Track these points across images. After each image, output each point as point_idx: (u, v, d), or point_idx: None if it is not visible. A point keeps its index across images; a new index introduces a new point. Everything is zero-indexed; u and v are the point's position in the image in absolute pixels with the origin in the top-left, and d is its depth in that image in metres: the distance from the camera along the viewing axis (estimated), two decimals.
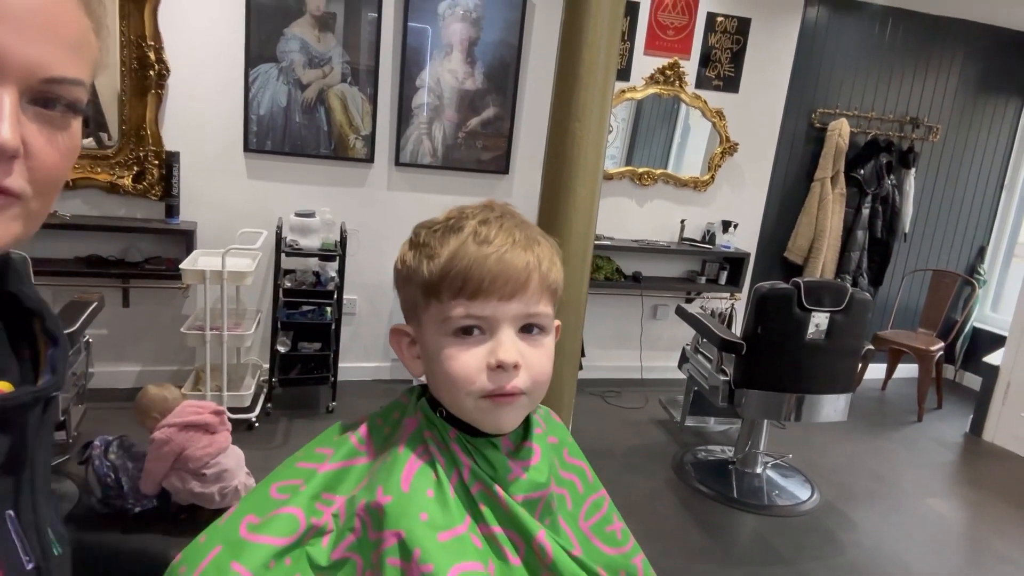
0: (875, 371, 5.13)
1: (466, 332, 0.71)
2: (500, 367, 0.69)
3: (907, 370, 5.16)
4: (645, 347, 4.73)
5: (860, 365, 3.36)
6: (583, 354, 4.24)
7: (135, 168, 3.61)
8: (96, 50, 0.53)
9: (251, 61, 3.63)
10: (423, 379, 0.78)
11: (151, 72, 3.51)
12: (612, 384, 4.60)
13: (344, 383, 4.00)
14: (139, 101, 3.55)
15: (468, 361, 0.70)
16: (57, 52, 0.48)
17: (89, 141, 3.57)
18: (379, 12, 3.75)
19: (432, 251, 0.72)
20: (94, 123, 3.62)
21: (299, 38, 3.66)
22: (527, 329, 0.72)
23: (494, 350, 0.70)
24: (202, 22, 3.55)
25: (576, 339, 2.57)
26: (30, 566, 0.56)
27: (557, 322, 0.76)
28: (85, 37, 0.51)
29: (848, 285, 3.12)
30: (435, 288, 0.71)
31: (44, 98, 0.49)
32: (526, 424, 0.79)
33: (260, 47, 3.62)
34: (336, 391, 3.83)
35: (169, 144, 3.61)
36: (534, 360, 0.72)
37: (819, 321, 3.03)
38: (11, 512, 0.56)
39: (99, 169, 3.59)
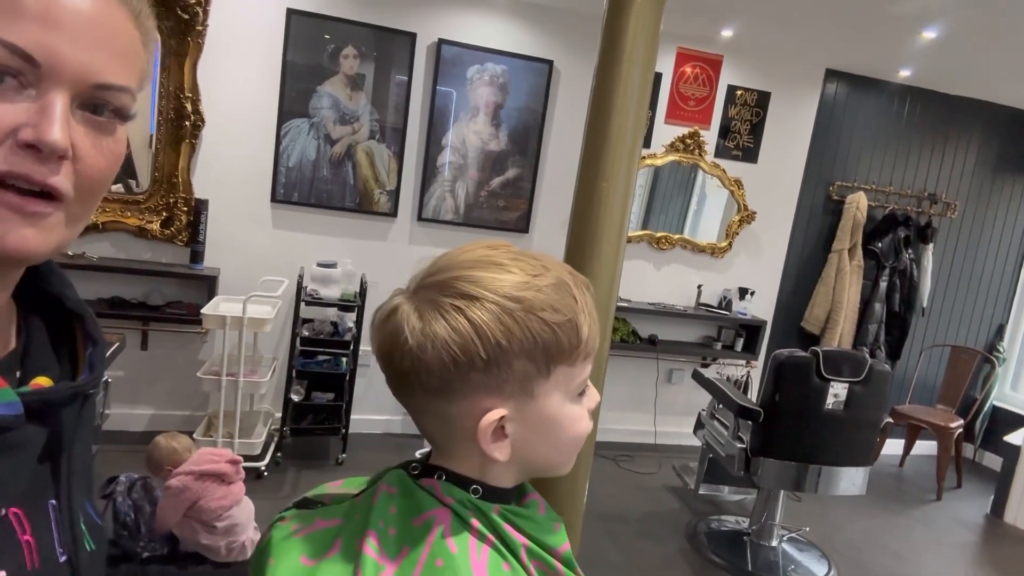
0: (893, 446, 5.03)
1: (582, 391, 0.70)
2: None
3: (926, 447, 5.06)
4: (659, 411, 4.69)
5: (878, 439, 3.31)
6: None
7: (164, 214, 3.69)
8: (144, 61, 0.55)
9: (284, 115, 3.74)
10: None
11: (187, 122, 3.62)
12: (625, 448, 4.54)
13: (355, 435, 3.98)
14: (173, 150, 3.66)
15: (586, 415, 0.70)
16: (108, 59, 0.50)
17: (118, 186, 3.67)
18: (409, 76, 3.87)
19: (563, 314, 0.64)
20: (123, 170, 3.73)
21: (331, 95, 3.79)
22: None
23: (593, 396, 0.71)
24: (239, 77, 3.68)
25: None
26: (63, 559, 0.57)
27: None
28: (134, 47, 0.53)
29: (867, 356, 3.10)
30: (573, 353, 0.65)
31: (93, 103, 0.51)
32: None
33: (293, 103, 3.74)
34: (347, 443, 3.81)
35: (199, 192, 3.70)
36: None
37: (838, 391, 3.00)
38: (53, 501, 0.57)
39: (129, 213, 3.68)
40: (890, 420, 3.34)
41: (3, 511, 0.52)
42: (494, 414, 0.64)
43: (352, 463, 3.76)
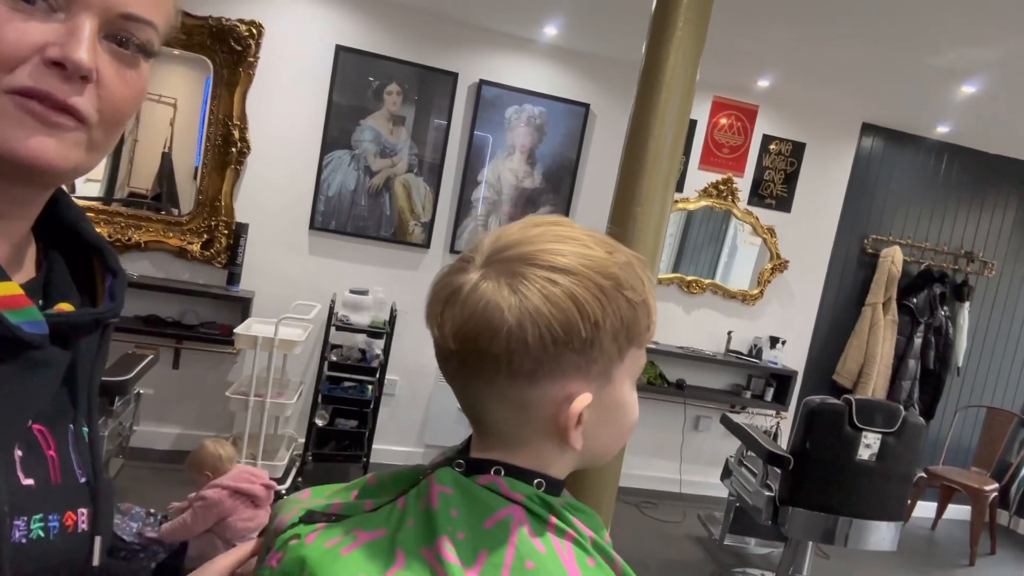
0: (925, 509, 4.87)
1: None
2: None
3: (959, 511, 4.89)
4: (686, 459, 4.61)
5: (911, 496, 3.22)
6: None
7: (205, 236, 3.79)
8: (170, 7, 0.56)
9: (327, 146, 3.85)
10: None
11: (233, 149, 3.74)
12: (649, 495, 4.45)
13: (376, 464, 3.96)
14: (218, 174, 3.77)
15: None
16: None
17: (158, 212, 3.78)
18: (449, 114, 3.97)
19: (640, 294, 0.60)
20: (167, 196, 3.85)
21: (373, 129, 3.89)
22: None
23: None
24: (286, 108, 3.80)
25: None
26: (83, 480, 0.58)
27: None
28: None
29: (901, 407, 3.04)
30: (644, 335, 0.62)
31: (119, 35, 0.52)
32: None
33: (336, 134, 3.85)
34: (367, 471, 3.79)
35: (240, 216, 3.79)
36: None
37: (870, 441, 2.93)
38: (71, 426, 0.58)
39: (171, 234, 3.78)
40: (923, 475, 3.24)
41: (29, 424, 0.53)
42: (585, 398, 0.59)
43: None
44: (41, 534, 0.52)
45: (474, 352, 0.58)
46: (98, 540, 0.57)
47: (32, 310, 0.51)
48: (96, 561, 0.57)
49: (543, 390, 0.59)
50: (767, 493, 3.10)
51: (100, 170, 3.86)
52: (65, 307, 0.57)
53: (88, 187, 3.78)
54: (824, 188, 4.62)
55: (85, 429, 0.60)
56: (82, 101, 0.50)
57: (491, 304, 0.57)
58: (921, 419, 3.06)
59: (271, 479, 3.43)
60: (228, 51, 3.67)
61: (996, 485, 4.49)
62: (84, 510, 0.57)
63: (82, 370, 0.59)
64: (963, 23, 2.75)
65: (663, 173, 1.72)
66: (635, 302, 0.59)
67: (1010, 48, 2.93)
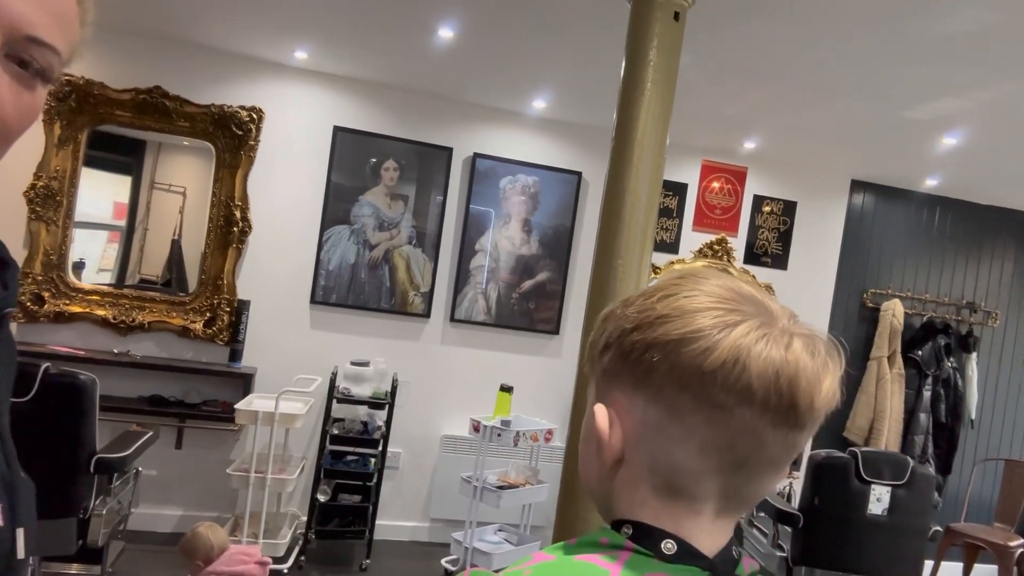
0: (952, 569, 4.69)
1: None
2: None
3: (986, 571, 4.71)
4: None
5: (936, 555, 3.12)
6: None
7: (208, 314, 3.84)
8: (77, 36, 0.57)
9: (326, 222, 3.94)
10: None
11: (235, 229, 3.84)
12: None
13: (380, 541, 3.89)
14: (220, 254, 3.86)
15: None
16: (45, 17, 0.52)
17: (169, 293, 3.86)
18: (445, 186, 4.08)
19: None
20: (176, 281, 3.93)
21: (372, 204, 3.99)
22: None
23: None
24: (286, 187, 3.92)
25: None
26: None
27: (593, 408, 0.60)
28: (71, 18, 0.55)
29: (908, 459, 2.99)
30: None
31: (20, 57, 0.52)
32: None
33: (336, 211, 3.95)
34: (371, 549, 3.72)
35: (242, 293, 3.86)
36: None
37: (880, 495, 2.87)
38: None
39: (175, 314, 3.84)
40: (938, 529, 3.16)
41: None
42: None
43: (376, 570, 3.66)
44: None
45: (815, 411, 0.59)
46: (20, 532, 0.56)
47: None
48: (21, 554, 0.56)
49: None
50: (779, 554, 3.02)
51: (112, 258, 3.97)
52: None
53: (100, 275, 3.88)
54: (819, 245, 4.67)
55: None
56: None
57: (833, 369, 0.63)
58: (931, 470, 3.01)
59: (273, 558, 3.37)
60: (230, 136, 3.82)
61: (1021, 540, 4.33)
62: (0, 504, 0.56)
63: None
64: (934, 75, 2.85)
65: (640, 226, 1.77)
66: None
67: (985, 97, 3.02)
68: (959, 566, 4.73)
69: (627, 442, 0.57)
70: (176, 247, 3.96)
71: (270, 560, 2.63)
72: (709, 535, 0.56)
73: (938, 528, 3.18)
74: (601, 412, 0.58)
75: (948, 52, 2.61)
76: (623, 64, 1.83)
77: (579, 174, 4.25)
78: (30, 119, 0.55)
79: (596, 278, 1.82)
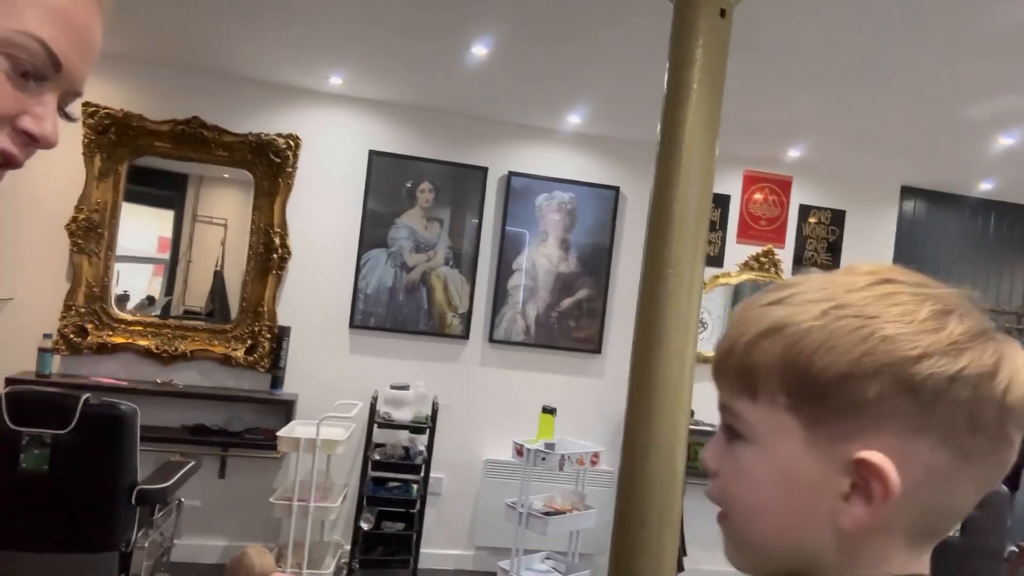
0: None
1: None
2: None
3: None
4: None
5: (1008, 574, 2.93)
6: (684, 552, 3.90)
7: (249, 341, 3.84)
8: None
9: (364, 246, 3.92)
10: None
11: (274, 255, 3.84)
12: None
13: (425, 571, 3.80)
14: (261, 281, 3.86)
15: None
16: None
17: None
18: (481, 206, 4.04)
19: None
20: (219, 311, 3.95)
21: (408, 226, 3.97)
22: (727, 430, 0.54)
23: None
24: (324, 212, 3.92)
25: (672, 532, 2.22)
26: None
27: (861, 455, 0.47)
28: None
29: None
30: None
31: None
32: None
33: (373, 234, 3.93)
34: None
35: (282, 320, 3.85)
36: (723, 470, 0.53)
37: None
38: None
39: (216, 342, 3.84)
40: (1015, 549, 2.97)
41: None
42: None
43: None
44: None
45: None
46: None
47: None
48: None
49: None
50: None
51: (156, 289, 4.03)
52: None
53: (148, 308, 3.92)
54: (870, 254, 4.50)
55: None
56: (25, 153, 0.55)
57: None
58: (1006, 488, 2.82)
59: None
60: (268, 164, 3.83)
61: None
62: None
63: None
64: (992, 70, 2.71)
65: (691, 233, 1.68)
66: None
67: None
68: None
69: (903, 492, 0.47)
70: (219, 277, 3.99)
71: None
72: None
73: (1014, 548, 2.99)
74: (887, 463, 0.46)
75: (1007, 45, 2.48)
76: (667, 66, 1.75)
77: (616, 189, 4.17)
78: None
79: (646, 290, 1.74)
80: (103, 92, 3.59)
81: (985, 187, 4.41)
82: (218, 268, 3.98)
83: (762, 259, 4.35)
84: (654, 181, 1.81)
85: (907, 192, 4.55)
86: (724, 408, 0.54)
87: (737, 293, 4.40)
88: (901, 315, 0.48)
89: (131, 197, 3.77)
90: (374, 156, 3.94)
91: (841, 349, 0.47)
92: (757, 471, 0.51)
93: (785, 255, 4.40)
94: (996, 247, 4.63)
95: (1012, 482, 4.47)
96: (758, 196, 4.38)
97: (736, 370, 0.52)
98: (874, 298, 0.49)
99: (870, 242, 4.50)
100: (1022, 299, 4.66)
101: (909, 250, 4.54)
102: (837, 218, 4.47)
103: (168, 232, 4.01)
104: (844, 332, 0.48)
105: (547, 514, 3.52)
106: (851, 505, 0.48)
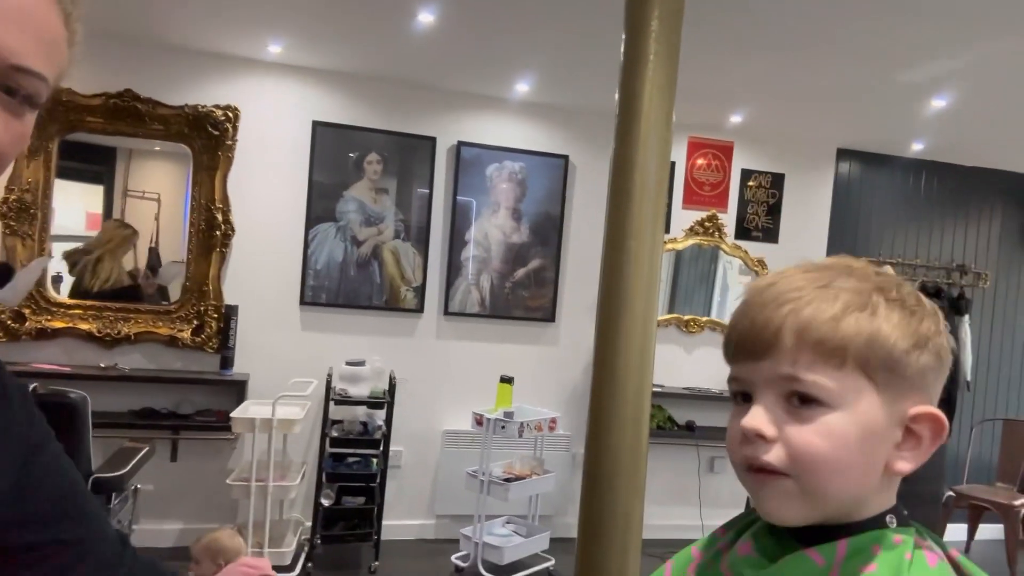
0: (956, 531, 4.72)
1: (734, 397, 0.65)
2: (745, 437, 0.61)
3: (991, 530, 4.74)
4: (704, 503, 4.47)
5: (940, 523, 3.11)
6: None
7: (195, 322, 3.74)
8: (65, 58, 0.57)
9: (311, 221, 3.84)
10: None
11: (217, 232, 3.73)
12: (672, 545, 4.26)
13: (387, 542, 3.82)
14: (204, 259, 3.75)
15: (734, 429, 0.63)
16: (30, 45, 0.52)
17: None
18: (430, 177, 4.00)
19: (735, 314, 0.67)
20: (157, 289, 3.82)
21: (356, 199, 3.90)
22: (799, 399, 0.60)
23: (747, 412, 0.62)
24: (268, 187, 3.81)
25: (640, 496, 2.10)
26: None
27: (919, 409, 0.61)
28: (58, 41, 0.56)
29: None
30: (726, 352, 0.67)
31: (7, 85, 0.52)
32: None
33: (320, 208, 3.85)
34: (379, 550, 3.66)
35: (229, 298, 3.75)
36: (795, 435, 0.59)
37: None
38: None
39: (160, 324, 3.73)
40: (952, 494, 3.15)
41: None
42: None
43: (386, 571, 3.60)
44: None
45: None
46: None
47: None
48: None
49: None
50: None
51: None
52: None
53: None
54: (808, 216, 4.65)
55: None
56: None
57: None
58: None
59: (279, 567, 3.30)
60: (206, 137, 3.70)
61: None
62: None
63: None
64: (927, 34, 2.81)
65: (652, 203, 1.70)
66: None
67: (975, 57, 2.99)
68: (963, 527, 4.77)
69: None
70: (154, 254, 3.85)
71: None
72: None
73: (951, 493, 3.17)
74: (940, 413, 0.62)
75: (941, 8, 2.57)
76: (623, 37, 1.75)
77: (566, 157, 4.18)
78: (20, 145, 0.56)
79: (608, 261, 1.76)
80: None
81: (917, 147, 4.58)
82: (152, 245, 3.84)
83: (706, 224, 4.44)
84: (613, 152, 1.82)
85: (843, 154, 4.69)
86: (791, 378, 0.60)
87: (680, 259, 4.48)
88: (924, 301, 0.63)
89: (60, 173, 3.59)
90: (318, 127, 3.85)
91: (908, 329, 0.60)
92: (842, 430, 0.59)
93: (728, 219, 4.50)
94: (927, 205, 4.83)
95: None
96: (701, 162, 4.45)
97: (819, 343, 0.59)
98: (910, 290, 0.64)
99: (808, 204, 4.64)
100: (952, 254, 4.88)
101: (844, 210, 4.70)
102: (777, 181, 4.59)
103: (98, 208, 3.82)
104: (906, 316, 0.61)
105: (508, 480, 3.58)
106: (902, 451, 0.61)
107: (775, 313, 0.60)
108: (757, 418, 0.60)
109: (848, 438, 0.58)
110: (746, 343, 0.62)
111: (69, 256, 3.72)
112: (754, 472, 0.61)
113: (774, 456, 0.59)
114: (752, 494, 0.63)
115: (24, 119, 0.55)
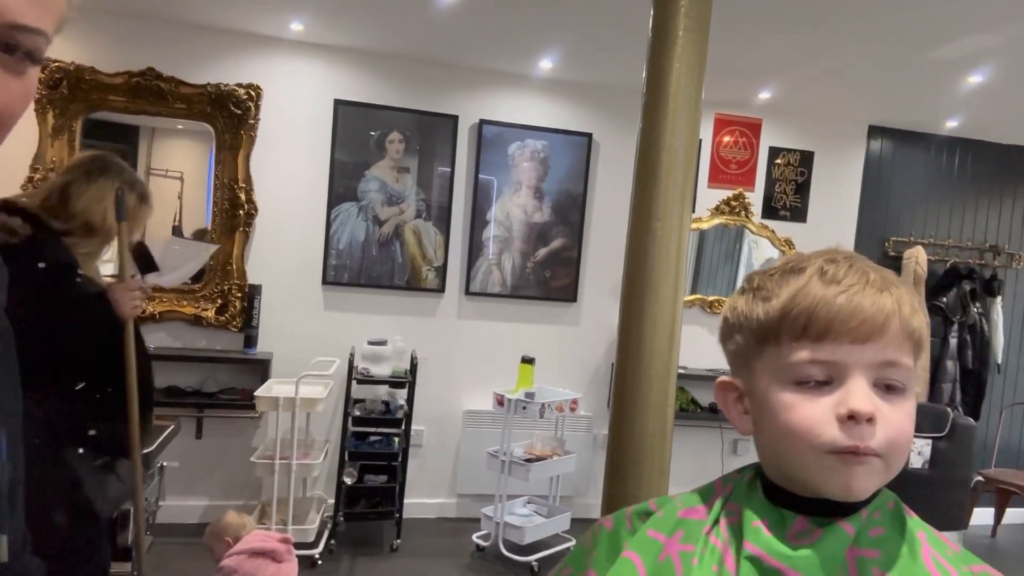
0: (983, 515, 4.66)
1: (808, 380, 0.63)
2: (852, 418, 0.60)
3: (1019, 515, 4.68)
4: None
5: (967, 507, 3.07)
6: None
7: (219, 301, 3.76)
8: (63, 9, 0.55)
9: (333, 200, 3.84)
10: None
11: (241, 212, 3.74)
12: None
13: (409, 520, 3.85)
14: (227, 238, 3.76)
15: (813, 411, 0.61)
16: (24, 2, 0.50)
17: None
18: (452, 156, 3.96)
19: (768, 293, 0.66)
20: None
21: (378, 179, 3.88)
22: (884, 385, 0.62)
23: (844, 400, 0.61)
24: (290, 166, 3.80)
25: (664, 480, 1.97)
26: None
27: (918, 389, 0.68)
28: None
29: (949, 410, 2.92)
30: (772, 332, 0.65)
31: (5, 43, 0.50)
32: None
33: (342, 188, 3.84)
34: (401, 528, 3.69)
35: (252, 278, 3.77)
36: (892, 417, 0.61)
37: (921, 448, 2.81)
38: None
39: (185, 303, 3.75)
40: (980, 479, 3.10)
41: None
42: (729, 379, 0.72)
43: (407, 549, 3.63)
44: None
45: None
46: (4, 539, 0.59)
47: None
48: (4, 557, 0.59)
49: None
50: None
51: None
52: None
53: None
54: (837, 195, 4.55)
55: None
56: None
57: None
58: (971, 420, 2.93)
59: (302, 543, 3.34)
60: (229, 116, 3.69)
61: None
62: None
63: None
64: (964, 9, 2.70)
65: (679, 185, 1.66)
66: (759, 299, 0.67)
67: (1015, 31, 2.88)
68: (990, 511, 4.70)
69: None
70: (177, 233, 3.86)
71: (291, 537, 2.59)
72: None
73: (980, 478, 3.12)
74: None
75: None
76: (651, 13, 1.70)
77: (589, 135, 4.12)
78: (24, 103, 0.54)
79: (633, 244, 1.72)
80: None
81: (951, 124, 4.46)
82: (176, 223, 3.86)
83: (733, 203, 4.37)
84: (640, 132, 1.78)
85: (874, 131, 4.58)
86: (891, 364, 0.62)
87: (703, 239, 4.42)
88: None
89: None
90: (340, 106, 3.82)
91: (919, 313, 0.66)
92: (912, 414, 0.64)
93: (755, 198, 4.42)
94: (960, 184, 4.71)
95: (973, 412, 4.65)
96: (728, 139, 4.37)
97: (912, 332, 0.63)
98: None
99: (838, 183, 4.54)
100: (985, 234, 4.76)
101: (875, 189, 4.59)
102: (806, 159, 4.49)
103: None
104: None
105: (528, 460, 3.58)
106: None
107: (883, 299, 0.62)
108: (870, 401, 0.61)
109: (914, 421, 0.64)
110: (850, 325, 0.61)
111: None
112: (847, 454, 0.60)
113: (877, 440, 0.61)
114: (832, 474, 0.61)
115: (26, 76, 0.54)
